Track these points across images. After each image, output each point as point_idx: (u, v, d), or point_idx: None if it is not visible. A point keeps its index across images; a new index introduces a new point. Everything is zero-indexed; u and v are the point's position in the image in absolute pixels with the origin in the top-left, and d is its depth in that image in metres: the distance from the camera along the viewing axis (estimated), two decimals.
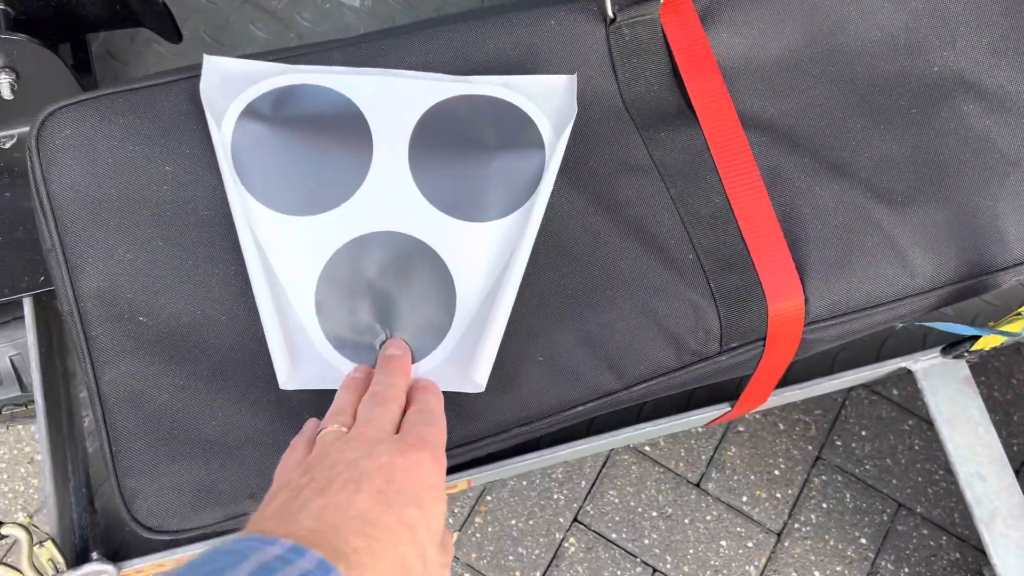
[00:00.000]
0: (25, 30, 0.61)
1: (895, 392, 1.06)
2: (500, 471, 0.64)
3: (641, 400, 0.58)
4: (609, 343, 0.54)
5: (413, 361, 0.52)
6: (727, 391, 0.68)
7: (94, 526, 0.64)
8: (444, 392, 0.49)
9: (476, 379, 0.51)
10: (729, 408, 0.66)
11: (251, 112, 0.53)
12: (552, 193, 0.54)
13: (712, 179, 0.57)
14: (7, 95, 0.62)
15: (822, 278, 0.56)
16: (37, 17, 0.63)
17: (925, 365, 0.67)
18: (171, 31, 0.65)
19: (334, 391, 0.50)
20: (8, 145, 0.67)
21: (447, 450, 0.48)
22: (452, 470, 0.62)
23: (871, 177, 0.58)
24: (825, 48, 0.61)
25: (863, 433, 1.04)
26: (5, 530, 0.52)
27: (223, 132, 0.53)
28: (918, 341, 0.71)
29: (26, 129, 0.66)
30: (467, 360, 0.52)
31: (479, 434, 0.54)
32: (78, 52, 0.71)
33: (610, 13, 0.58)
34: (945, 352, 0.66)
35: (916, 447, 1.04)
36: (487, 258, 0.53)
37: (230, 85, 0.54)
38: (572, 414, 0.55)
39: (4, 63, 0.61)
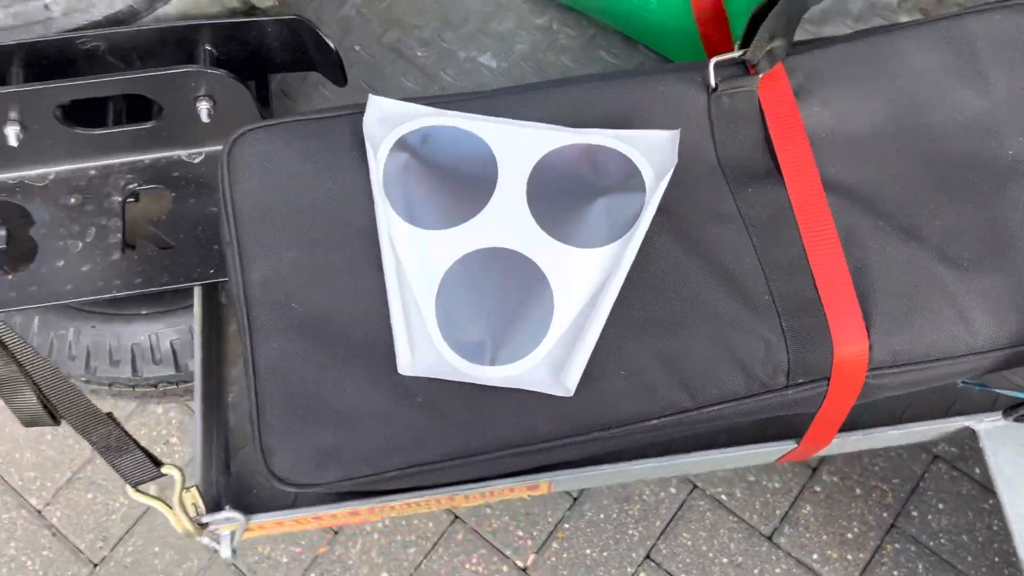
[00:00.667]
0: (224, 67, 0.75)
1: (977, 470, 1.08)
2: (580, 476, 0.71)
3: (712, 424, 0.65)
4: (685, 365, 0.61)
5: (510, 361, 0.60)
6: (797, 432, 0.74)
7: (228, 486, 0.75)
8: (536, 392, 0.57)
9: (567, 384, 0.60)
10: (795, 445, 0.71)
11: (402, 144, 0.64)
12: (648, 230, 0.62)
13: (792, 232, 0.64)
14: (204, 119, 0.76)
15: (886, 329, 0.62)
16: (234, 58, 0.77)
17: (988, 426, 0.71)
18: (339, 76, 0.78)
19: (442, 380, 0.59)
20: (198, 160, 0.80)
21: (535, 444, 0.57)
22: (537, 470, 0.70)
23: (940, 243, 0.64)
24: (907, 126, 0.68)
25: (941, 507, 1.06)
26: (165, 469, 0.63)
27: (378, 159, 0.64)
28: (987, 406, 0.75)
29: (215, 148, 0.80)
30: (560, 366, 0.60)
31: (564, 432, 0.61)
32: (260, 88, 0.85)
33: (712, 83, 0.67)
34: (1007, 414, 0.70)
35: (995, 527, 1.05)
36: (585, 279, 0.61)
37: (387, 121, 0.65)
38: (648, 426, 0.62)
39: (205, 92, 0.75)
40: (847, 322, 0.62)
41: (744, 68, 0.68)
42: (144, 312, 0.90)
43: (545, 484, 0.72)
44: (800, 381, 0.63)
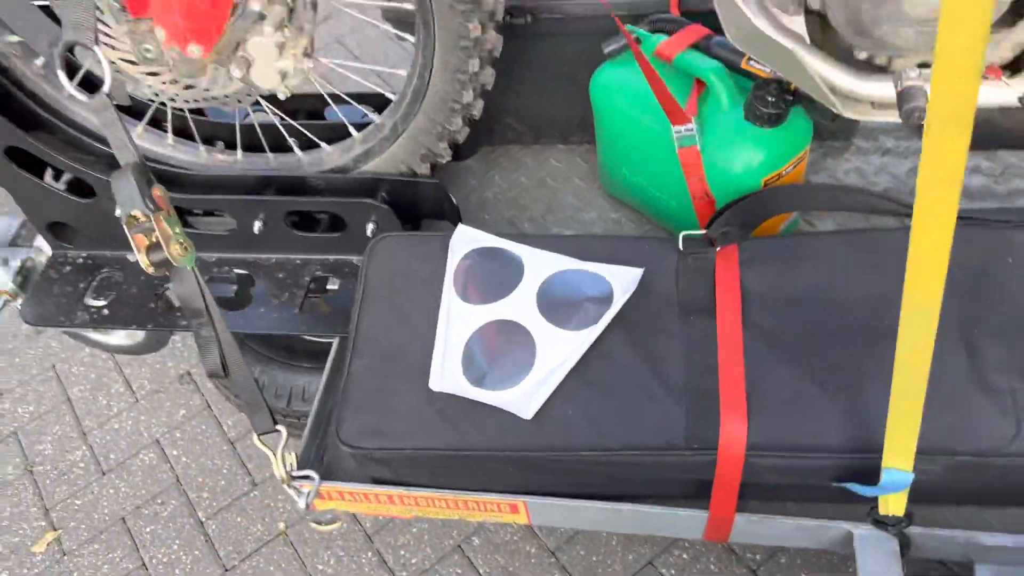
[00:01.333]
0: (389, 205, 1.18)
1: None
2: (542, 503, 0.97)
3: (631, 470, 0.90)
4: (610, 417, 0.90)
5: (499, 389, 0.92)
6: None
7: (318, 458, 1.08)
8: (511, 413, 0.88)
9: (529, 410, 0.90)
10: (706, 513, 0.94)
11: (470, 253, 1.02)
12: (609, 326, 0.94)
13: (712, 349, 0.92)
14: (369, 235, 1.18)
15: (765, 420, 0.87)
16: (397, 201, 1.20)
17: (862, 531, 0.89)
18: (456, 220, 1.18)
19: (455, 395, 0.92)
20: (357, 261, 1.22)
21: (504, 451, 0.87)
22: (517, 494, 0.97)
23: (819, 371, 0.89)
24: (818, 295, 0.95)
25: None
26: (278, 427, 0.99)
27: (453, 260, 1.02)
28: None
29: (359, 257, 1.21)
30: (528, 398, 0.91)
31: (522, 445, 0.90)
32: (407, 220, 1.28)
33: (680, 247, 1.00)
34: (868, 515, 0.89)
35: None
36: (559, 347, 0.93)
37: (465, 240, 1.04)
38: (576, 457, 0.90)
39: (375, 219, 1.18)
40: (734, 409, 0.88)
41: (709, 242, 1.01)
42: (306, 365, 1.30)
43: (522, 506, 0.99)
44: (695, 447, 0.88)
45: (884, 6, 0.78)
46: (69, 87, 0.83)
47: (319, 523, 1.17)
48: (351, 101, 1.25)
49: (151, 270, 0.88)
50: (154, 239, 0.87)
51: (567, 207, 1.31)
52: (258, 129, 1.26)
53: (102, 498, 1.60)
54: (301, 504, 1.04)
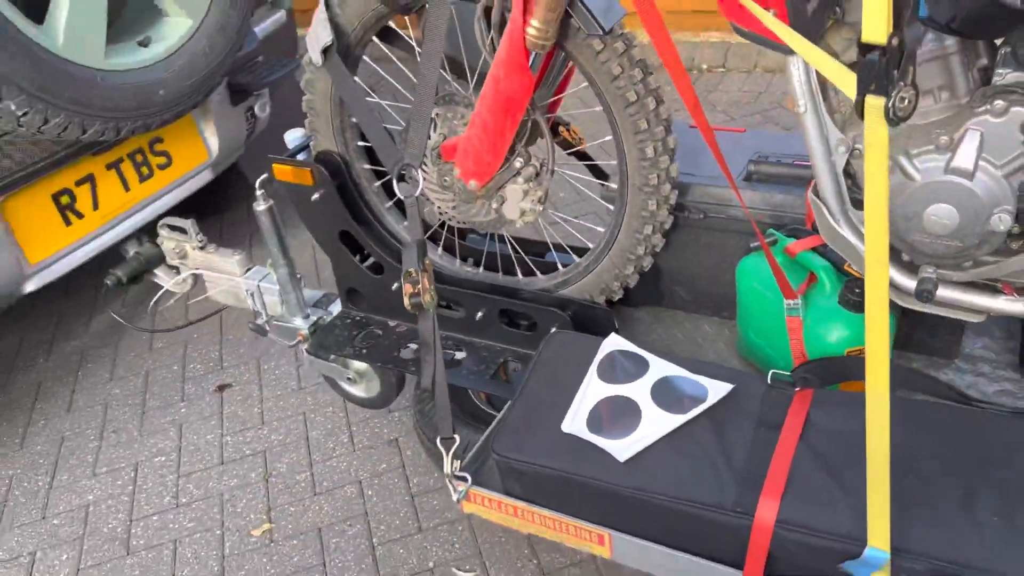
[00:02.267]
0: (571, 318, 1.63)
1: None
2: (625, 540, 1.30)
3: (686, 522, 1.23)
4: (684, 474, 1.24)
5: (609, 439, 1.30)
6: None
7: (479, 466, 1.48)
8: (613, 456, 1.26)
9: (623, 456, 1.27)
10: (739, 573, 1.22)
11: (612, 353, 1.44)
12: (697, 415, 1.30)
13: (773, 439, 1.25)
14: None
15: (797, 499, 1.17)
16: (578, 320, 1.65)
17: None
18: (612, 330, 1.61)
19: (575, 436, 1.31)
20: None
21: (601, 481, 1.25)
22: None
23: (849, 479, 1.19)
24: (864, 436, 1.26)
25: None
26: (456, 435, 1.42)
27: (600, 355, 1.44)
28: None
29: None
30: (626, 448, 1.28)
31: (614, 480, 1.27)
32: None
33: (769, 381, 1.35)
34: None
35: None
36: (658, 422, 1.30)
37: (614, 343, 1.46)
38: (651, 502, 1.24)
39: (559, 325, 1.63)
40: (774, 489, 1.19)
41: (792, 383, 1.35)
42: (481, 427, 1.74)
43: (607, 537, 1.32)
44: (739, 510, 1.20)
45: (912, 221, 1.15)
46: (397, 189, 1.40)
47: (460, 570, 1.55)
48: (567, 249, 1.75)
49: (408, 307, 1.40)
50: (417, 289, 1.39)
51: (685, 351, 1.69)
52: (498, 257, 1.80)
53: (310, 510, 2.08)
54: (455, 497, 1.44)
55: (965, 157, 1.09)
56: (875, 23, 0.78)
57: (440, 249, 1.85)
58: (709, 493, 1.22)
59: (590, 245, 1.66)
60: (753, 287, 1.54)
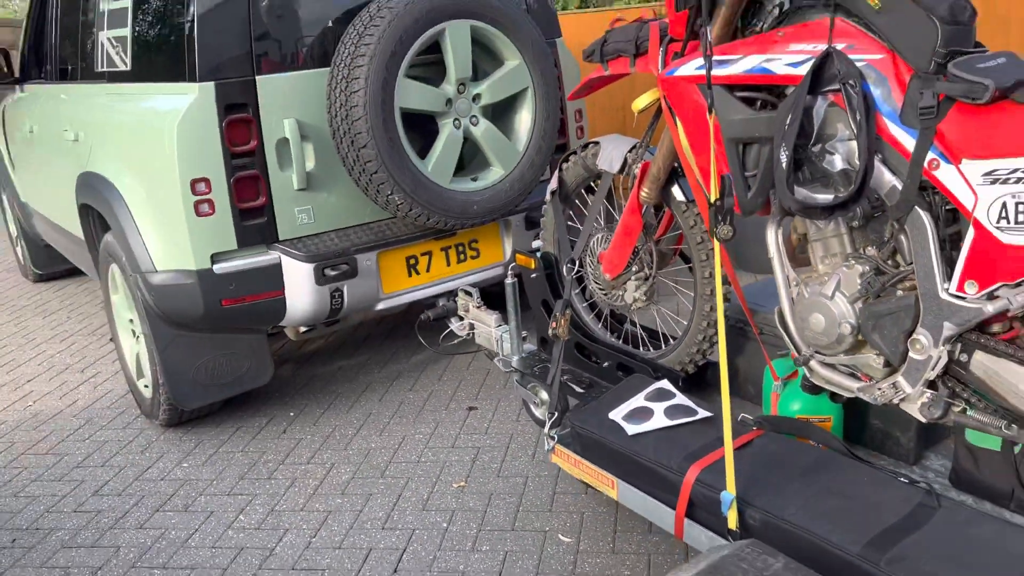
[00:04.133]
0: (663, 375, 2.59)
1: None
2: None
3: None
4: (667, 440, 2.15)
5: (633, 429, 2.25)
6: None
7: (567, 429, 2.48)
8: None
9: (631, 432, 2.21)
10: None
11: (656, 387, 2.38)
12: (683, 422, 2.20)
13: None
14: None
15: None
16: (665, 376, 2.59)
17: None
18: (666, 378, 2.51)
19: (615, 422, 2.28)
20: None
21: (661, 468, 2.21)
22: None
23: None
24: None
25: None
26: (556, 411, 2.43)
27: (648, 388, 2.39)
28: None
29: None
30: (636, 429, 2.22)
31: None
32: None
33: (739, 419, 2.20)
34: None
35: None
36: (659, 423, 2.23)
37: (658, 383, 2.40)
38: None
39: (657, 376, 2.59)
40: (705, 461, 2.06)
41: (753, 423, 2.19)
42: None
43: (615, 483, 2.24)
44: (675, 471, 2.07)
45: (805, 322, 2.01)
46: (564, 272, 2.53)
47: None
48: (671, 338, 2.71)
49: (548, 334, 2.50)
50: (556, 325, 2.49)
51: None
52: (626, 334, 2.81)
53: (498, 494, 3.15)
54: (548, 447, 2.45)
55: (829, 288, 1.94)
56: (713, 192, 1.78)
57: (593, 319, 2.91)
58: (667, 458, 2.11)
59: (678, 332, 2.62)
60: (769, 379, 2.39)
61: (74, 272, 6.26)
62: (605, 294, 2.71)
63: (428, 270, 3.65)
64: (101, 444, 3.73)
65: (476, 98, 3.36)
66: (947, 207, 1.73)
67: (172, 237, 3.20)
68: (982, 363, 1.73)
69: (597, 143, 2.68)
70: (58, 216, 4.57)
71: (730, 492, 1.90)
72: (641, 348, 2.77)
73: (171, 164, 3.09)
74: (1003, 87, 1.57)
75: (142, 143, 3.29)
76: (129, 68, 3.57)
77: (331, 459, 3.44)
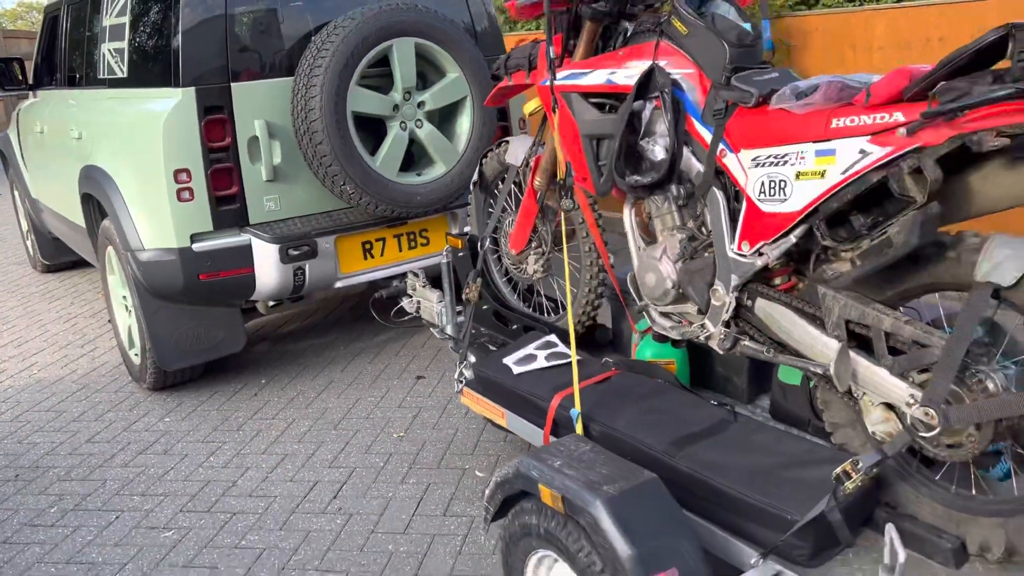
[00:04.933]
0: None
1: None
2: None
3: None
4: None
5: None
6: None
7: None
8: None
9: (516, 371, 2.73)
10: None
11: (546, 339, 2.90)
12: (555, 364, 2.72)
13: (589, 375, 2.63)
14: None
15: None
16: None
17: None
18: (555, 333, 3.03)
19: (507, 365, 2.80)
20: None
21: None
22: None
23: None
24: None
25: None
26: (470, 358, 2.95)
27: (542, 339, 2.91)
28: None
29: None
30: (520, 367, 2.74)
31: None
32: None
33: (602, 362, 2.71)
34: None
35: None
36: (539, 363, 2.74)
37: (547, 336, 2.92)
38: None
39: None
40: (566, 392, 2.58)
41: (613, 364, 2.71)
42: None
43: (504, 414, 2.75)
44: (542, 399, 2.59)
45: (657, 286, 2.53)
46: (479, 249, 3.06)
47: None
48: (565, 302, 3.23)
49: (463, 297, 3.04)
50: (468, 290, 3.02)
51: None
52: (536, 305, 3.33)
53: (431, 442, 3.66)
54: (455, 390, 2.97)
55: (657, 252, 2.46)
56: (559, 171, 2.32)
57: (515, 294, 3.43)
58: (539, 389, 2.62)
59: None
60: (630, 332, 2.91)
61: (79, 264, 6.82)
62: (514, 268, 3.22)
63: (382, 254, 4.18)
64: (95, 404, 4.26)
65: (421, 105, 3.91)
66: (733, 187, 2.25)
67: (158, 219, 3.74)
68: (763, 307, 2.24)
69: (508, 141, 3.21)
70: (64, 208, 5.13)
71: (576, 409, 2.42)
72: (547, 315, 3.28)
73: (158, 156, 3.63)
74: (763, 95, 2.10)
75: (135, 139, 3.84)
76: (126, 75, 4.13)
77: (293, 416, 3.97)
